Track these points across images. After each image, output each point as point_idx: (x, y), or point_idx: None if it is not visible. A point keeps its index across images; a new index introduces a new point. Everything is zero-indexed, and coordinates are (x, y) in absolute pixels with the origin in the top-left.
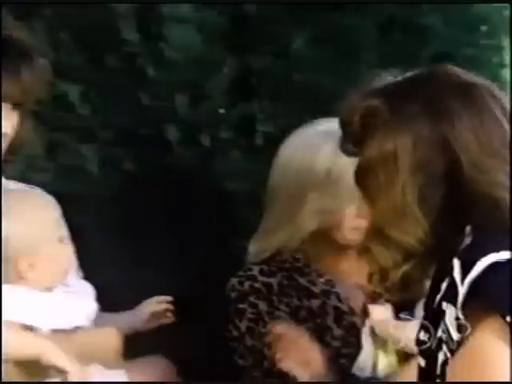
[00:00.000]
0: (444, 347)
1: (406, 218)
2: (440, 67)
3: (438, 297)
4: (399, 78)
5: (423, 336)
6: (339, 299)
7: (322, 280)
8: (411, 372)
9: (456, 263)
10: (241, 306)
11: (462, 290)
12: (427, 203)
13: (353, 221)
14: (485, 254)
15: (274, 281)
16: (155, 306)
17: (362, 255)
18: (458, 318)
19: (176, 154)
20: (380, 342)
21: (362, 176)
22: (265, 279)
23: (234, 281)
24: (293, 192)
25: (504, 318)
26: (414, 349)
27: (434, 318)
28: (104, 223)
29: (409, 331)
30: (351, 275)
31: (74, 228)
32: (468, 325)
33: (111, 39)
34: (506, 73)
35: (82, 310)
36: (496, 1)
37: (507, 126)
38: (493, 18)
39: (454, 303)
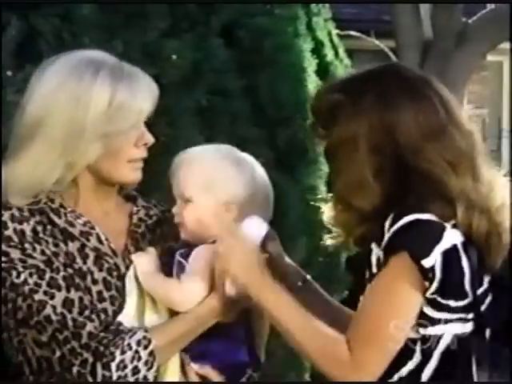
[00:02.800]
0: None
1: (363, 188)
2: (389, 66)
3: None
4: (356, 73)
5: None
6: (100, 240)
7: (80, 221)
8: (179, 323)
9: (390, 216)
10: None
11: (387, 236)
12: (381, 176)
13: (131, 150)
14: (410, 213)
15: (26, 227)
16: None
17: None
18: (379, 259)
19: None
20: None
21: (330, 154)
22: (17, 226)
23: None
24: (68, 122)
25: (411, 255)
26: (172, 306)
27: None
28: None
29: (166, 288)
30: (112, 215)
31: None
32: (383, 261)
33: None
34: (300, 42)
35: None
36: (496, 1)
37: (444, 114)
38: None
39: (380, 245)
